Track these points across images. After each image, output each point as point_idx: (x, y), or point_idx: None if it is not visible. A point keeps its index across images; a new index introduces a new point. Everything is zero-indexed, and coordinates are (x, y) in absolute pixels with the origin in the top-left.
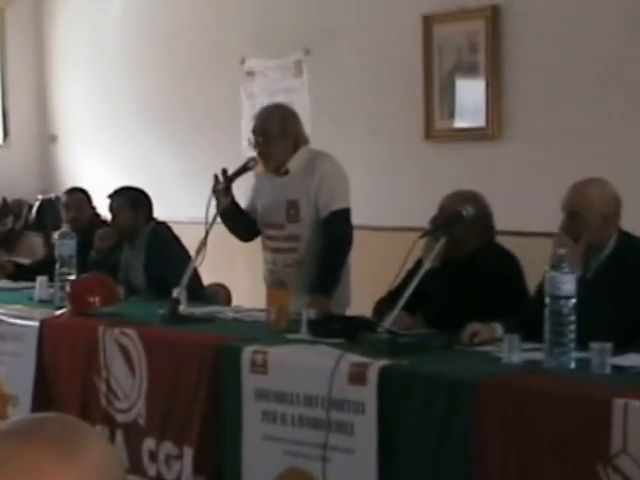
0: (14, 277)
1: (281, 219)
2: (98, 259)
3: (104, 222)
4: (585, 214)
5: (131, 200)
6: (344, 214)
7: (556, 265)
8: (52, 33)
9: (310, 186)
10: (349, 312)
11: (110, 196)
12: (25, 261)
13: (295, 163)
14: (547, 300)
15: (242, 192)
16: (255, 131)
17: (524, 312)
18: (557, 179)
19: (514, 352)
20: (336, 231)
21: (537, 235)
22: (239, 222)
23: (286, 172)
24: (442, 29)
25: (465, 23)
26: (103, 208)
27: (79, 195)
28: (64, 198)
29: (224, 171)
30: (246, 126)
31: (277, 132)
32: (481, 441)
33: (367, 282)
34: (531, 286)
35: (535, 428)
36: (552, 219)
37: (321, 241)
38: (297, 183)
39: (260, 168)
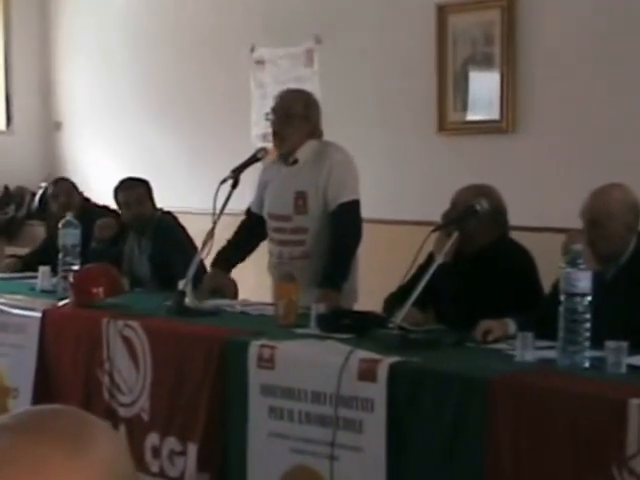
0: (20, 271)
1: (288, 210)
2: (99, 249)
3: (96, 206)
4: (607, 224)
5: (149, 190)
6: (353, 206)
7: (572, 262)
8: (57, 20)
9: (319, 177)
10: (357, 307)
11: (124, 187)
12: (23, 251)
13: (304, 153)
14: (562, 297)
15: (250, 184)
16: (276, 109)
17: (538, 309)
18: (572, 173)
19: (527, 350)
20: (345, 224)
21: (552, 231)
22: (244, 257)
23: (295, 162)
24: (457, 19)
25: (480, 13)
26: (105, 195)
27: (65, 183)
28: (51, 188)
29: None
30: (256, 116)
31: (300, 114)
32: (493, 440)
33: (376, 277)
34: (545, 283)
35: (548, 428)
36: (567, 214)
37: (329, 234)
38: (306, 174)
39: (269, 158)
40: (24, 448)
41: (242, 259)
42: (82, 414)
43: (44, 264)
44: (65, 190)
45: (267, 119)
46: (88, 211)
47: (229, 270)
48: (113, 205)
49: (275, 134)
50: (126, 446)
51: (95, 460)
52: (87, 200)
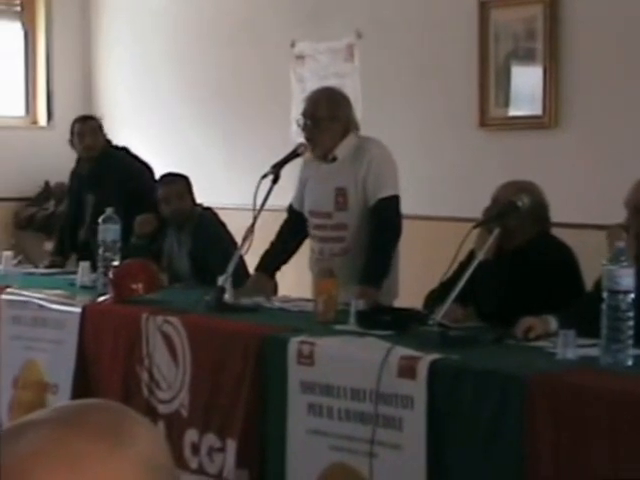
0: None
1: (329, 207)
2: (138, 245)
3: (117, 148)
4: None
5: (188, 185)
6: (393, 202)
7: (614, 258)
8: (97, 15)
9: (358, 173)
10: (397, 304)
11: (164, 182)
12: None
13: (343, 150)
14: (604, 294)
15: (290, 180)
16: (305, 114)
17: (580, 306)
18: (616, 170)
19: (569, 348)
20: (384, 219)
21: (594, 227)
22: (287, 259)
23: (334, 159)
24: (499, 14)
25: (522, 8)
26: None
27: (93, 122)
28: (77, 126)
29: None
30: (296, 111)
31: (326, 116)
32: (533, 439)
33: (416, 273)
34: (587, 279)
35: (589, 427)
36: (611, 211)
37: (369, 230)
38: (345, 170)
39: (309, 154)
40: (64, 441)
41: (285, 261)
42: (122, 408)
43: (76, 228)
44: (91, 130)
45: (298, 125)
46: (108, 155)
47: (272, 274)
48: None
49: (306, 139)
50: (165, 441)
51: (134, 454)
52: (109, 142)
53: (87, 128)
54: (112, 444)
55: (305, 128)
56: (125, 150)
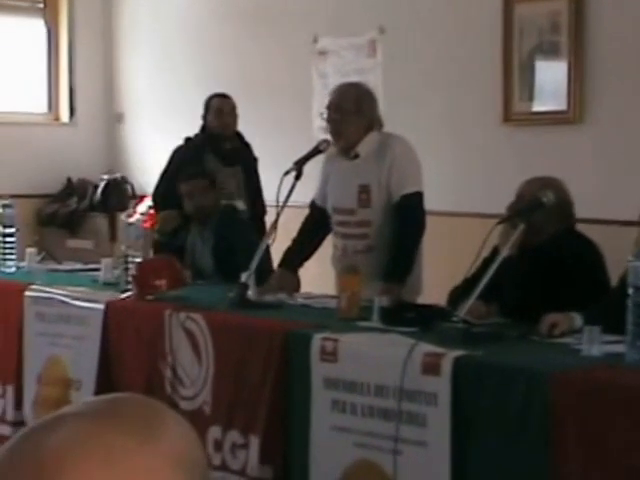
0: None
1: (352, 204)
2: (162, 241)
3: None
4: None
5: (211, 181)
6: (416, 198)
7: None
8: (119, 12)
9: (381, 169)
10: (420, 300)
11: (186, 177)
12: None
13: (366, 146)
14: (630, 290)
15: (313, 176)
16: (330, 107)
17: (605, 302)
18: None
19: (594, 344)
20: (408, 216)
21: (621, 224)
22: (310, 255)
23: (356, 156)
24: (523, 8)
25: (547, 2)
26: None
27: (231, 101)
28: (216, 101)
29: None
30: (317, 107)
31: (352, 110)
32: (558, 436)
33: (439, 269)
34: (613, 276)
35: (615, 424)
36: (636, 207)
37: (392, 226)
38: (368, 167)
39: (331, 150)
40: (95, 435)
41: (308, 257)
42: (152, 402)
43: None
44: (231, 108)
45: (322, 118)
46: (240, 135)
47: (296, 270)
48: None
49: (330, 132)
50: (197, 436)
51: (166, 447)
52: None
53: (227, 105)
54: (144, 435)
55: (330, 120)
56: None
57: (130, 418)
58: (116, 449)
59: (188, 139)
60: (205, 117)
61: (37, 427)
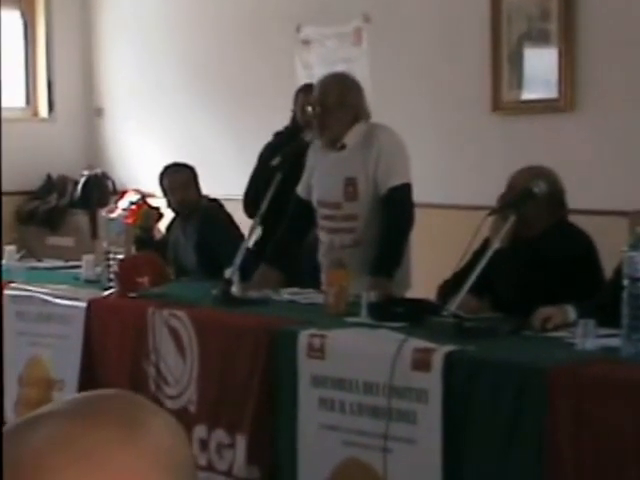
0: None
1: (338, 197)
2: (143, 238)
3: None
4: None
5: (194, 175)
6: (404, 190)
7: (635, 245)
8: (98, 5)
9: (368, 161)
10: (409, 295)
11: (169, 172)
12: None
13: (352, 137)
14: (625, 282)
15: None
16: (313, 102)
17: (599, 295)
18: (634, 154)
19: (588, 338)
20: (396, 209)
21: (613, 214)
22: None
23: (342, 147)
24: None
25: None
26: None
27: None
28: (303, 96)
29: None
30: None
31: (335, 102)
32: (553, 433)
33: (429, 263)
34: (607, 268)
35: (610, 418)
36: (629, 197)
37: (380, 220)
38: (354, 159)
39: (317, 142)
40: (78, 433)
41: (292, 253)
42: (138, 398)
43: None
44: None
45: (307, 112)
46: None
47: (280, 266)
48: None
49: (314, 127)
50: (184, 434)
51: (150, 447)
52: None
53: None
54: (127, 433)
55: (313, 114)
56: None
57: (112, 416)
58: (97, 449)
59: (277, 133)
60: (294, 111)
61: (18, 427)
